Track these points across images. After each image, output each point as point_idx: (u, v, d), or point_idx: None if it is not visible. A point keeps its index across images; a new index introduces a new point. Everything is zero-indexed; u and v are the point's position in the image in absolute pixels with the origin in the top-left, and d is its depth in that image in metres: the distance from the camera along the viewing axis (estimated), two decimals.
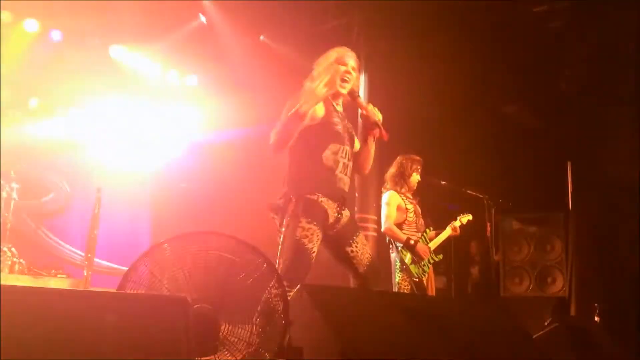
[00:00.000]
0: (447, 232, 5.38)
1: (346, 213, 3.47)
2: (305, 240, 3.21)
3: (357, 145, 3.62)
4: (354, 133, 3.62)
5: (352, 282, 3.50)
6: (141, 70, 8.22)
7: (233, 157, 8.16)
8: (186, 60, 8.30)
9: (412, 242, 5.01)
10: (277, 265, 3.05)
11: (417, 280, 5.02)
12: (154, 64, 8.29)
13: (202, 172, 8.10)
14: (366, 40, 7.44)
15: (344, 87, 3.48)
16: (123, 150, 8.00)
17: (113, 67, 7.96)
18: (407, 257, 5.02)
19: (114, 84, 7.91)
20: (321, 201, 3.33)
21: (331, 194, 3.37)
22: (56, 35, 7.41)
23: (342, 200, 3.43)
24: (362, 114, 3.52)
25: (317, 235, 3.27)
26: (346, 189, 3.46)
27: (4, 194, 6.35)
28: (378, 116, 3.46)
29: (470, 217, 5.54)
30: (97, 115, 7.77)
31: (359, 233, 3.50)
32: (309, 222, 3.25)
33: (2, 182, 6.36)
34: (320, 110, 3.40)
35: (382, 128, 3.46)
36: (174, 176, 8.11)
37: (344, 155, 3.44)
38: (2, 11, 6.88)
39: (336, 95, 3.51)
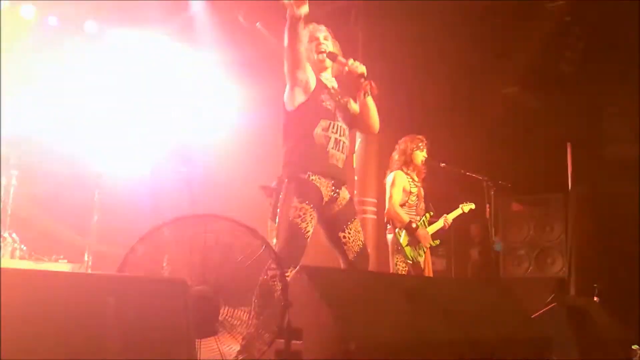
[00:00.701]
0: (438, 225, 5.39)
1: (344, 194, 3.46)
2: (298, 220, 3.21)
3: (356, 107, 3.59)
4: (349, 107, 3.59)
5: (342, 266, 3.50)
6: (140, 53, 8.19)
7: (233, 141, 8.15)
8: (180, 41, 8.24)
9: (413, 225, 5.01)
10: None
11: (411, 262, 5.03)
12: (153, 46, 8.24)
13: (200, 156, 8.09)
14: (364, 22, 7.39)
15: (322, 61, 3.50)
16: (122, 135, 7.98)
17: (110, 49, 7.93)
18: (403, 239, 5.02)
19: (111, 66, 7.89)
20: (312, 179, 3.31)
21: (323, 171, 3.36)
22: (52, 20, 7.37)
23: (337, 178, 3.41)
24: (345, 72, 3.48)
25: (311, 215, 3.25)
26: (340, 165, 3.43)
27: (3, 180, 6.35)
28: (361, 69, 3.43)
29: (472, 206, 5.55)
30: (95, 99, 7.75)
31: (355, 219, 3.49)
32: (301, 202, 3.25)
33: (1, 168, 6.35)
34: (312, 78, 3.40)
35: (369, 81, 3.44)
36: (173, 160, 8.09)
37: (335, 130, 3.43)
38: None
39: (320, 67, 3.51)
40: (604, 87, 7.01)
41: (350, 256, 3.39)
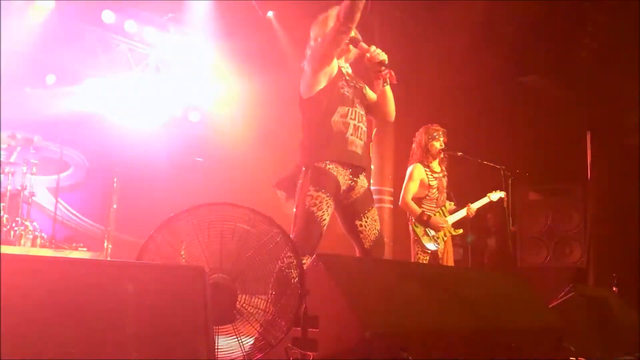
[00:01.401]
0: (462, 213, 5.33)
1: (362, 183, 3.45)
2: (314, 209, 3.21)
3: (373, 95, 3.57)
4: (366, 93, 3.56)
5: (357, 254, 3.50)
6: (159, 43, 8.24)
7: (247, 131, 8.19)
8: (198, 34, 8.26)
9: (425, 217, 4.99)
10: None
11: (429, 252, 5.02)
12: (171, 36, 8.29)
13: (217, 146, 8.14)
14: (380, 11, 7.35)
15: (346, 46, 3.44)
16: (140, 125, 8.05)
17: (128, 40, 7.98)
18: (419, 230, 5.02)
19: (127, 57, 7.94)
20: (329, 169, 3.30)
21: (342, 158, 3.34)
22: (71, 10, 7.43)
23: (355, 165, 3.39)
24: (367, 58, 3.43)
25: (327, 203, 3.25)
26: (359, 151, 3.41)
27: (24, 169, 6.44)
28: (382, 56, 3.39)
29: (502, 194, 5.41)
30: (113, 89, 7.81)
31: (372, 208, 3.47)
32: (317, 190, 3.24)
33: (21, 157, 6.45)
34: (335, 66, 3.40)
35: (389, 69, 3.41)
36: (190, 150, 8.16)
37: (354, 116, 3.40)
38: None
39: (342, 53, 3.47)
40: (624, 76, 6.91)
41: (367, 245, 3.39)
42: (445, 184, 5.23)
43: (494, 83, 7.56)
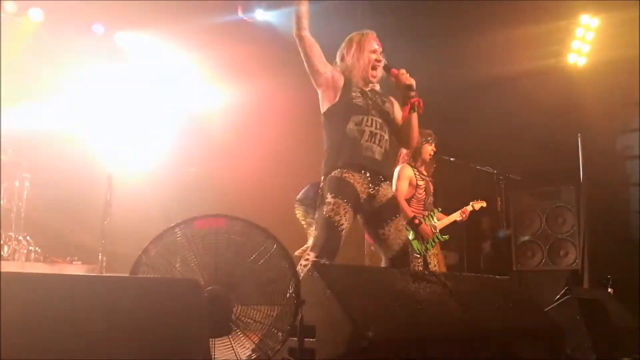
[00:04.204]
0: (454, 216, 5.38)
1: (385, 192, 3.49)
2: (332, 214, 3.27)
3: (399, 116, 3.66)
4: (389, 108, 3.64)
5: (383, 262, 3.54)
6: (144, 54, 8.23)
7: (242, 140, 8.18)
8: (184, 42, 8.25)
9: (416, 221, 5.00)
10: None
11: (418, 256, 5.02)
12: (157, 47, 8.28)
13: (210, 156, 8.12)
14: (371, 19, 7.36)
15: (374, 77, 3.61)
16: (131, 136, 8.03)
17: (116, 51, 7.98)
18: (410, 233, 5.02)
19: (115, 68, 7.93)
20: (345, 177, 3.36)
21: (355, 162, 3.39)
22: (60, 22, 7.43)
23: (372, 169, 3.43)
24: (396, 80, 3.56)
25: (345, 209, 3.30)
26: (377, 156, 3.45)
27: (16, 184, 6.41)
28: (410, 81, 3.52)
29: (483, 204, 5.51)
30: (102, 100, 7.81)
31: (396, 217, 3.50)
32: (334, 197, 3.31)
33: (14, 172, 6.42)
34: (340, 79, 3.52)
35: (418, 98, 3.51)
36: (183, 161, 8.14)
37: (369, 123, 3.46)
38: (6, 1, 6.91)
39: (371, 76, 3.60)
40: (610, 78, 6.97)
41: (389, 254, 3.43)
42: (431, 188, 5.25)
43: (485, 88, 7.59)
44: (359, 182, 3.38)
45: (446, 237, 5.25)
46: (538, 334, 3.12)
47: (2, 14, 6.88)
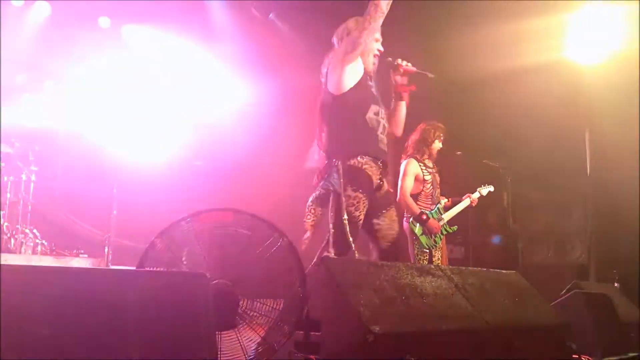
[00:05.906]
0: (464, 204, 5.34)
1: (385, 184, 3.50)
2: (352, 209, 3.27)
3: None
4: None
5: (373, 255, 3.51)
6: (151, 47, 8.23)
7: (247, 134, 8.17)
8: (193, 36, 8.25)
9: (424, 217, 4.97)
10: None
11: (426, 250, 4.99)
12: (165, 41, 8.29)
13: (216, 150, 8.12)
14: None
15: (375, 65, 3.56)
16: (138, 130, 8.04)
17: (123, 46, 7.98)
18: (417, 229, 5.00)
19: (124, 62, 7.94)
20: (365, 168, 3.35)
21: (374, 154, 3.40)
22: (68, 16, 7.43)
23: (384, 162, 3.45)
24: (404, 69, 3.58)
25: (364, 203, 3.31)
26: (386, 149, 3.48)
27: (23, 177, 6.43)
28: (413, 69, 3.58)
29: (491, 188, 5.49)
30: (108, 94, 7.81)
31: (391, 208, 3.50)
32: (354, 191, 3.29)
33: (20, 165, 6.44)
34: (361, 65, 3.46)
35: (413, 85, 3.57)
36: (189, 154, 8.14)
37: (382, 116, 3.48)
38: None
39: (370, 62, 3.56)
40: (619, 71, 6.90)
41: (383, 245, 3.42)
42: (438, 180, 5.22)
43: (493, 81, 7.55)
44: (375, 173, 3.39)
45: (454, 228, 5.22)
46: (544, 328, 3.11)
47: (9, 7, 6.88)
